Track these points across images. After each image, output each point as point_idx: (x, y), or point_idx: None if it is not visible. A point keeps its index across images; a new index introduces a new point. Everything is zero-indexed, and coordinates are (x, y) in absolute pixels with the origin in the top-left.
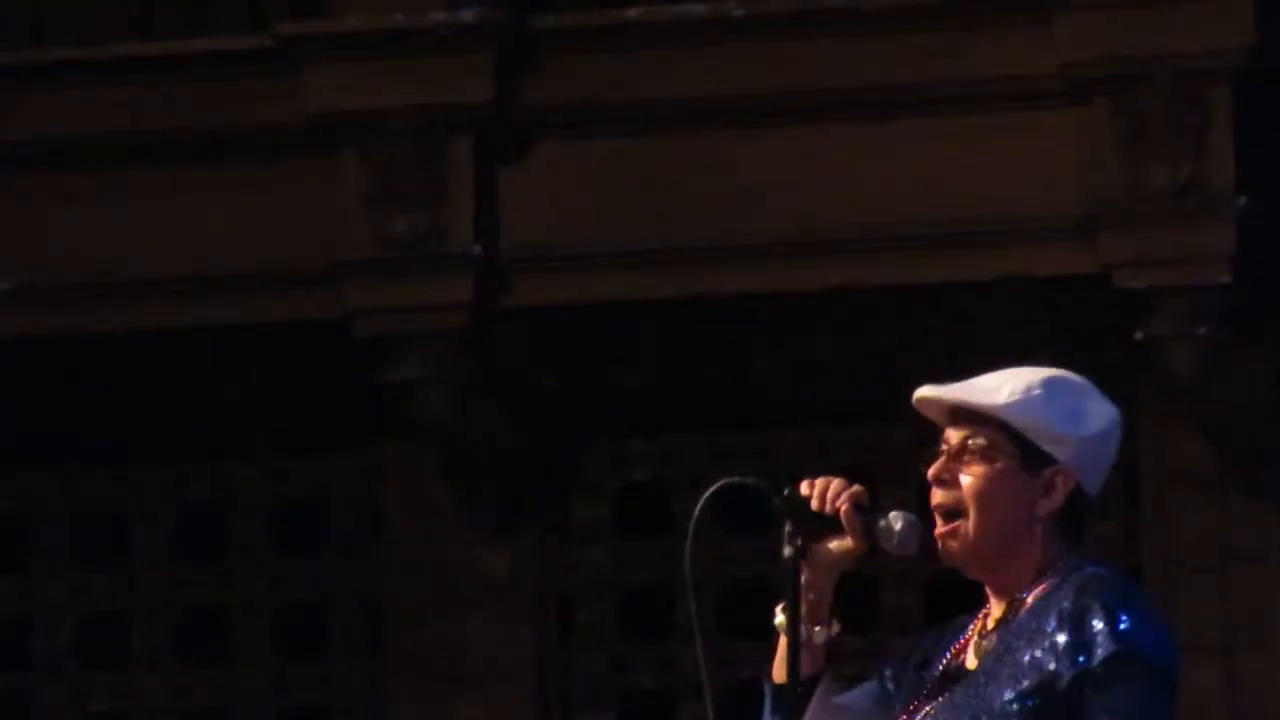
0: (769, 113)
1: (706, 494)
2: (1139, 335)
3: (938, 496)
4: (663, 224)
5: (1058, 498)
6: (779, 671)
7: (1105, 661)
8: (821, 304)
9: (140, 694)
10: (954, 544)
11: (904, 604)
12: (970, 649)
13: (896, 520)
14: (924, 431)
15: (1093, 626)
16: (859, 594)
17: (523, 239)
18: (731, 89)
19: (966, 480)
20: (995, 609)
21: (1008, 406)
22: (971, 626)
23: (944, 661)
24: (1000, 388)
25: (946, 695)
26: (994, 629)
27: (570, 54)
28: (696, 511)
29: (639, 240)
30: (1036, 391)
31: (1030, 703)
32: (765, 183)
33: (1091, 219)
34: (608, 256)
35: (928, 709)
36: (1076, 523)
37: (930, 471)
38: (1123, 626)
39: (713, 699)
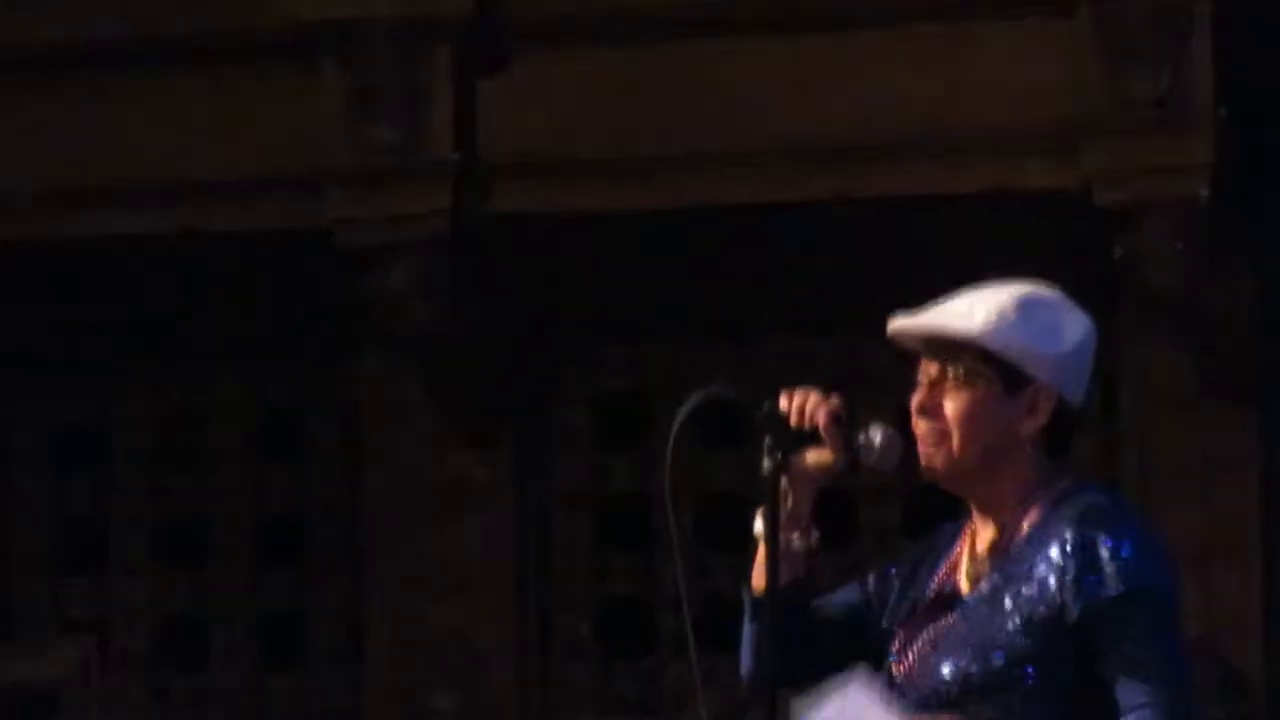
0: (751, 24)
1: (685, 407)
2: (1119, 252)
3: (921, 426)
4: (644, 133)
5: (1041, 416)
6: (758, 579)
7: (1115, 599)
8: (800, 215)
9: (118, 600)
10: (937, 460)
11: (883, 520)
12: (961, 572)
13: (876, 434)
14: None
15: (1100, 562)
16: (837, 509)
17: (503, 147)
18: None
19: (950, 408)
20: (983, 530)
21: (984, 333)
22: (958, 545)
23: (935, 582)
24: (973, 312)
25: (945, 620)
26: (987, 553)
27: None
28: (675, 425)
29: (620, 149)
30: (1011, 313)
31: (1038, 633)
32: (746, 94)
33: (1072, 132)
34: (589, 165)
35: (926, 632)
36: (1062, 436)
37: (913, 402)
38: (1131, 563)
39: (690, 609)
